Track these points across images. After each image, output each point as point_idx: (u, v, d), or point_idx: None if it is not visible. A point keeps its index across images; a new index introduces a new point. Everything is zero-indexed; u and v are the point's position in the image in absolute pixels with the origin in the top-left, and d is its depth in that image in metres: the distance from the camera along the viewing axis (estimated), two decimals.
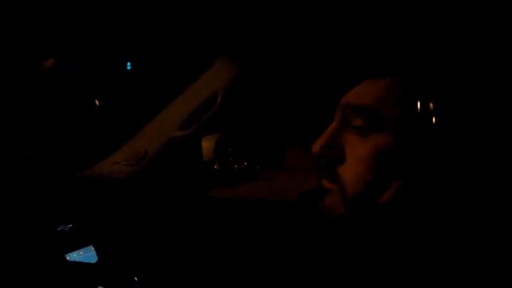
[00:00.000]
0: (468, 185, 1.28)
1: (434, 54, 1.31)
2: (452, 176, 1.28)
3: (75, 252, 1.79)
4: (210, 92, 1.77)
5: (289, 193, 1.66)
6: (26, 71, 1.69)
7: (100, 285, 1.69)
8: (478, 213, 1.28)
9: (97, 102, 1.80)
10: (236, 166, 1.73)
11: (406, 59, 1.32)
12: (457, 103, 1.28)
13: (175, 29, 1.67)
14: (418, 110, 1.28)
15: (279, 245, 1.62)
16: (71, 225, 1.76)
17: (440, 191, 1.29)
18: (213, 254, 1.71)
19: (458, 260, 1.27)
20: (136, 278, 1.70)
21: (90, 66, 1.72)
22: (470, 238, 1.28)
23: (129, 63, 1.82)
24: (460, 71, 1.29)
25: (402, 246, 1.32)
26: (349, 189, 1.32)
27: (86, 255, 1.80)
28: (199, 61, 1.69)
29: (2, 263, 1.63)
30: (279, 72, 1.60)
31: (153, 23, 1.67)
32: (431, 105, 1.28)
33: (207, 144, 1.76)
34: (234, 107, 1.75)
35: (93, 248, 1.79)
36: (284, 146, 1.64)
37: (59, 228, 1.75)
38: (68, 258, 1.78)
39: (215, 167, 1.74)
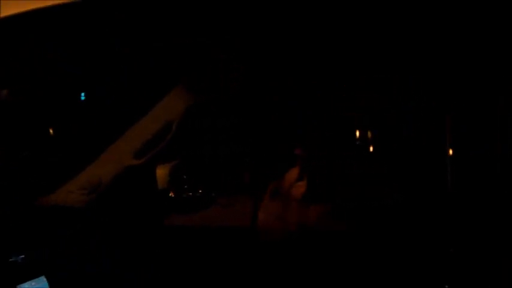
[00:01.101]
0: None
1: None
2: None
3: (27, 283, 1.76)
4: (165, 121, 1.79)
5: (244, 219, 1.68)
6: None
7: None
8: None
9: (52, 131, 1.80)
10: (191, 194, 1.74)
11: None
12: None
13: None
14: None
15: (234, 273, 1.64)
16: (23, 255, 1.73)
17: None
18: (168, 283, 1.71)
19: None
20: None
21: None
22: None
23: (83, 94, 1.83)
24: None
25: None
26: None
27: (38, 285, 1.77)
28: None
29: None
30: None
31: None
32: None
33: (161, 172, 1.77)
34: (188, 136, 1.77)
35: (45, 279, 1.77)
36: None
37: (11, 259, 1.73)
38: None
39: (170, 194, 1.75)
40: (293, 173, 1.60)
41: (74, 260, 1.75)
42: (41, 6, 1.73)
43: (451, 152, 1.43)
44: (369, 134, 1.58)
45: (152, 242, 1.72)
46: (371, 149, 1.59)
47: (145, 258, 1.71)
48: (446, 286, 1.47)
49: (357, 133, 1.59)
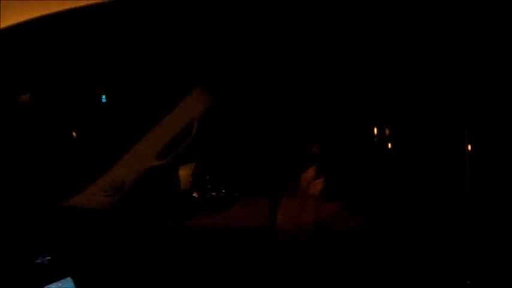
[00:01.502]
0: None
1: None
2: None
3: (54, 284, 1.78)
4: (186, 122, 1.81)
5: (267, 220, 1.70)
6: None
7: None
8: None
9: (75, 134, 1.82)
10: (214, 194, 1.76)
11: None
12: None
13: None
14: None
15: (256, 274, 1.65)
16: (49, 257, 1.75)
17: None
18: (192, 283, 1.72)
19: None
20: None
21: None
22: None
23: (104, 96, 1.84)
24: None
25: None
26: None
27: (64, 286, 1.79)
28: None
29: None
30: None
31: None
32: None
33: (184, 173, 1.79)
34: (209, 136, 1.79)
35: (71, 280, 1.79)
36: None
37: (37, 261, 1.75)
38: None
39: (193, 195, 1.77)
40: (310, 171, 1.61)
41: (98, 261, 1.76)
42: (40, 6, 1.73)
43: (468, 152, 1.44)
44: (388, 133, 1.59)
45: (176, 242, 1.74)
46: (390, 148, 1.60)
47: (169, 258, 1.73)
48: (468, 282, 1.48)
49: (375, 132, 1.60)
